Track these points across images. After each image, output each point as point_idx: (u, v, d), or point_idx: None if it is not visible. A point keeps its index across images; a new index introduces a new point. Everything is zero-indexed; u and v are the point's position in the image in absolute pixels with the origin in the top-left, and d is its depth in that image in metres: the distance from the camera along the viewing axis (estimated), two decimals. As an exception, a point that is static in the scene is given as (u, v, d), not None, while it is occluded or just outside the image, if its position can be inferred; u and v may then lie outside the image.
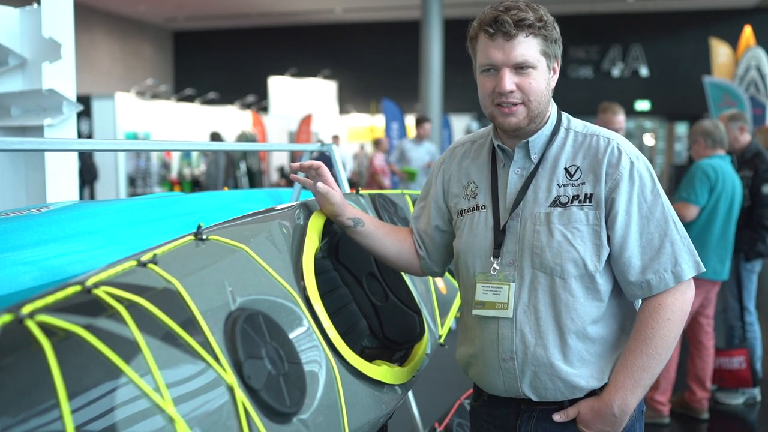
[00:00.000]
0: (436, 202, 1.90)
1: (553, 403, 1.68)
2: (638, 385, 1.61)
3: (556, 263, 1.62)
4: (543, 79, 1.64)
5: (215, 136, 13.22)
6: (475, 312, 1.71)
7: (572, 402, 1.68)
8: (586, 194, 1.64)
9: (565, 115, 1.77)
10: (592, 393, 1.67)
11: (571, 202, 1.64)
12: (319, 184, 1.80)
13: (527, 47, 1.60)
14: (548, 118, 1.72)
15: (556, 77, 1.71)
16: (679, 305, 1.62)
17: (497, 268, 1.69)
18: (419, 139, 8.84)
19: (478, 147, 1.85)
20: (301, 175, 1.94)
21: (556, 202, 1.65)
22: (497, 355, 1.69)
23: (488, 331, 1.70)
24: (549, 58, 1.65)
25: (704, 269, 1.65)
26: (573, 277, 1.62)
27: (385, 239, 1.88)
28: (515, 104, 1.64)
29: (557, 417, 1.67)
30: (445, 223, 1.89)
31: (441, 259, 1.93)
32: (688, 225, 4.22)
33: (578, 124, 1.75)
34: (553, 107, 1.74)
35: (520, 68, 1.61)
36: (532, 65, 1.61)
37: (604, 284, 1.65)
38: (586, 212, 1.63)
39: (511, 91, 1.62)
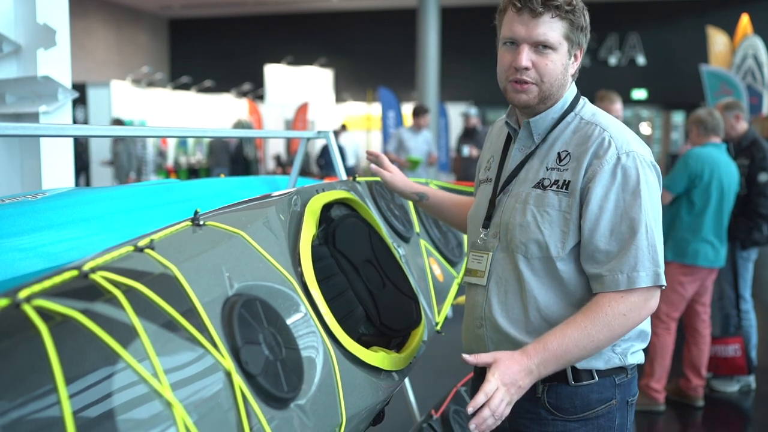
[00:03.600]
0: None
1: None
2: (563, 359, 1.56)
3: (522, 242, 1.67)
4: (561, 63, 1.66)
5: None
6: (465, 279, 1.82)
7: (544, 382, 1.65)
8: (565, 180, 1.65)
9: (582, 101, 1.77)
10: (561, 373, 1.64)
11: (551, 186, 1.67)
12: (372, 166, 2.04)
13: (551, 28, 1.62)
14: (559, 102, 1.73)
15: (577, 65, 1.72)
16: (638, 309, 1.59)
17: (484, 238, 1.77)
18: (417, 128, 8.81)
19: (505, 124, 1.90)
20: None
21: (539, 185, 1.69)
22: (472, 321, 1.77)
23: (470, 297, 1.80)
24: (572, 43, 1.67)
25: (664, 283, 1.60)
26: (536, 258, 1.66)
27: (451, 210, 2.09)
28: (527, 82, 1.66)
29: (469, 358, 1.58)
30: None
31: None
32: (680, 213, 4.26)
33: (588, 112, 1.74)
34: (571, 92, 1.75)
35: (539, 47, 1.63)
36: (552, 46, 1.63)
37: (566, 272, 1.65)
38: (560, 198, 1.65)
39: (526, 68, 1.64)
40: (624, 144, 1.65)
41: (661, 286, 1.62)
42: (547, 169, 1.69)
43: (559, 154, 1.69)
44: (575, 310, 1.65)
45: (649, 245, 1.59)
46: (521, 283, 1.68)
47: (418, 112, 8.82)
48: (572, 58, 1.69)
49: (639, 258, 1.58)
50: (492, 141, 1.94)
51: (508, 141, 1.83)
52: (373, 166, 2.05)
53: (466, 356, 1.58)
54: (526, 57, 1.63)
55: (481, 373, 1.85)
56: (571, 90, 1.75)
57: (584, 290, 1.68)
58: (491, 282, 1.73)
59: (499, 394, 1.49)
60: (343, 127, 15.38)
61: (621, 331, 1.59)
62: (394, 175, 2.04)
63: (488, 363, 1.55)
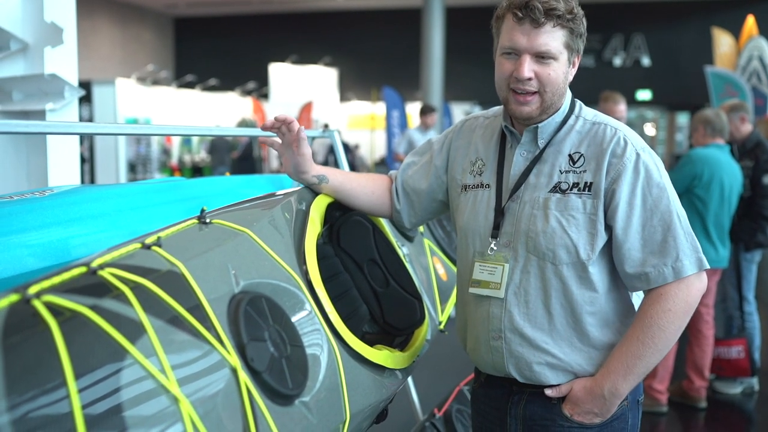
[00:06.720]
0: (437, 172, 1.91)
1: (541, 386, 1.69)
2: (631, 372, 1.61)
3: (549, 249, 1.63)
4: (562, 71, 1.64)
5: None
6: (471, 290, 1.74)
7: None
8: (586, 182, 1.63)
9: (578, 104, 1.77)
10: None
11: (571, 189, 1.64)
12: (289, 135, 1.80)
13: (552, 38, 1.60)
14: (560, 107, 1.71)
15: (574, 71, 1.70)
16: (682, 296, 1.60)
17: (494, 248, 1.71)
18: (425, 127, 8.88)
19: (490, 124, 1.85)
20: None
21: (556, 189, 1.65)
22: (487, 333, 1.72)
23: (481, 309, 1.73)
24: (571, 51, 1.65)
25: (708, 266, 1.63)
26: (565, 264, 1.63)
27: (353, 193, 1.90)
28: (530, 93, 1.63)
29: (549, 392, 1.68)
30: (443, 193, 1.92)
31: (417, 221, 1.98)
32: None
33: (589, 113, 1.74)
34: (567, 96, 1.74)
35: (541, 57, 1.60)
36: (553, 56, 1.61)
37: (597, 274, 1.65)
38: (584, 200, 1.63)
39: (529, 79, 1.61)
40: (637, 141, 1.67)
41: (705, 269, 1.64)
42: (561, 173, 1.66)
43: (570, 156, 1.67)
44: (611, 316, 1.68)
45: (685, 233, 1.61)
46: (546, 291, 1.65)
47: (425, 111, 8.88)
48: (570, 65, 1.68)
49: (680, 247, 1.60)
50: (474, 143, 1.86)
51: (502, 145, 1.79)
52: (290, 134, 1.78)
53: (548, 391, 1.68)
54: (528, 68, 1.60)
55: (478, 373, 1.87)
56: (567, 94, 1.74)
57: (612, 289, 1.68)
58: (510, 293, 1.68)
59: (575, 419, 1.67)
60: (325, 127, 15.17)
61: (675, 325, 1.61)
62: (305, 157, 1.82)
63: (565, 393, 1.68)
